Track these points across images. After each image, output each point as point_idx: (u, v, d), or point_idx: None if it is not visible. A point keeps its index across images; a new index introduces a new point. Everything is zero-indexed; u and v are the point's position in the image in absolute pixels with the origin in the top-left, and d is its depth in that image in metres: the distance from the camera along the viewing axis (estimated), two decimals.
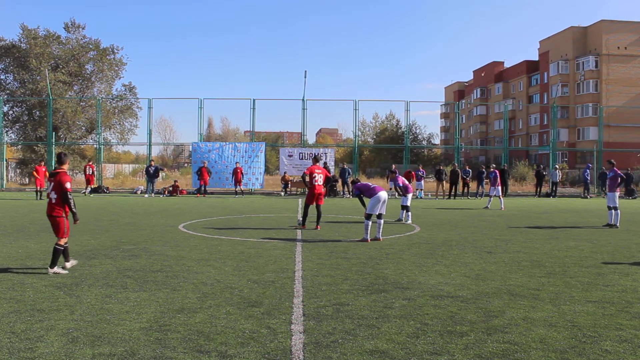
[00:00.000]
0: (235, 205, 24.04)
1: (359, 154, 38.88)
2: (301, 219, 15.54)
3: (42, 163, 30.35)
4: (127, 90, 48.87)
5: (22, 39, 46.10)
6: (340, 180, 33.59)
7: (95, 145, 42.60)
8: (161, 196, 31.53)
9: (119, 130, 47.78)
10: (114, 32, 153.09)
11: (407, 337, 5.50)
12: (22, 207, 22.33)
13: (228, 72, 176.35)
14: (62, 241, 8.66)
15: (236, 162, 33.01)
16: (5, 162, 39.87)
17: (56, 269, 8.54)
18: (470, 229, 15.54)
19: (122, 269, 8.95)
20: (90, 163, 34.59)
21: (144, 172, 34.55)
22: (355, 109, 36.70)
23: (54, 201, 8.63)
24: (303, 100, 36.22)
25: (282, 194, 34.08)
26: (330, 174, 32.36)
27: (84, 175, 35.01)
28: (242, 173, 32.30)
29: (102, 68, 48.46)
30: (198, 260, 9.87)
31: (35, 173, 29.20)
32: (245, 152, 34.64)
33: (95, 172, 34.98)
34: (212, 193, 33.22)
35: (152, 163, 33.26)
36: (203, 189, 32.19)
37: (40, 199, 27.15)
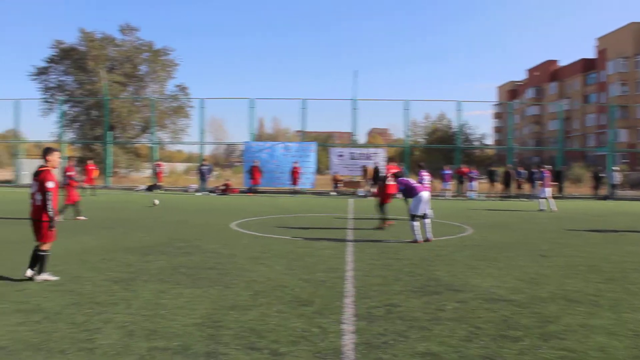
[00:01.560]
0: (286, 205, 24.20)
1: (410, 154, 38.55)
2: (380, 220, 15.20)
3: (91, 161, 31.24)
4: (179, 91, 49.88)
5: (80, 42, 47.60)
6: None
7: (149, 144, 43.58)
8: (213, 195, 31.98)
9: (172, 129, 48.76)
10: (167, 33, 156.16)
11: (459, 341, 5.43)
12: (82, 202, 22.98)
13: (279, 72, 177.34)
14: (46, 246, 7.91)
15: (293, 163, 33.16)
16: (65, 160, 41.16)
17: (46, 276, 7.88)
18: (524, 231, 15.21)
19: (175, 266, 9.12)
20: (160, 162, 35.60)
21: (197, 171, 35.12)
22: (406, 109, 36.49)
23: (38, 202, 7.80)
24: (353, 100, 36.22)
25: (333, 193, 34.10)
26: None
27: (154, 173, 35.96)
28: (299, 173, 32.40)
29: (155, 69, 49.60)
30: (250, 258, 9.97)
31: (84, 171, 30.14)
32: (296, 151, 34.81)
33: (163, 170, 36.08)
34: (263, 192, 33.54)
35: (205, 162, 33.77)
36: (254, 188, 32.51)
37: (93, 195, 27.99)
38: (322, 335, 5.51)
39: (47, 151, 8.12)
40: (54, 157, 8.14)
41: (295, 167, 32.48)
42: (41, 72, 48.70)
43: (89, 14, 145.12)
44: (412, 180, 13.32)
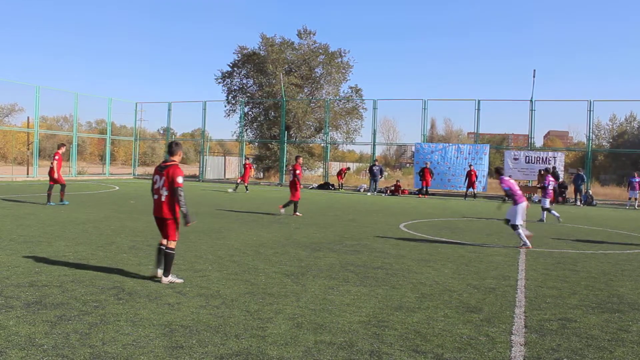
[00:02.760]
0: (457, 208, 23.71)
1: (592, 159, 35.89)
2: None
3: (248, 160, 32.63)
4: (353, 92, 50.85)
5: (261, 47, 50.42)
6: (573, 187, 31.36)
7: (322, 144, 45.00)
8: (383, 195, 32.23)
9: (345, 130, 49.88)
10: (341, 36, 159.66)
11: None
12: (255, 199, 24.44)
13: (452, 73, 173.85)
14: (173, 244, 7.50)
15: (469, 165, 32.39)
16: (244, 158, 43.95)
17: (171, 278, 7.42)
18: None
19: (344, 263, 9.32)
20: (345, 164, 37.01)
21: (368, 171, 35.62)
22: (590, 110, 34.00)
23: (163, 199, 7.36)
24: (531, 101, 34.50)
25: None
26: (558, 180, 30.47)
27: (338, 173, 37.42)
28: (476, 176, 31.62)
29: (330, 71, 51.01)
30: (417, 260, 9.91)
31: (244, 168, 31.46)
32: (469, 154, 33.94)
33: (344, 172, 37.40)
34: (433, 194, 33.17)
35: (376, 162, 34.17)
36: (425, 189, 32.25)
37: (236, 191, 29.16)
38: (490, 345, 5.32)
39: (176, 145, 7.65)
40: (181, 152, 7.68)
41: (472, 170, 31.56)
42: (225, 76, 52.41)
43: (270, 20, 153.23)
44: (516, 186, 12.71)
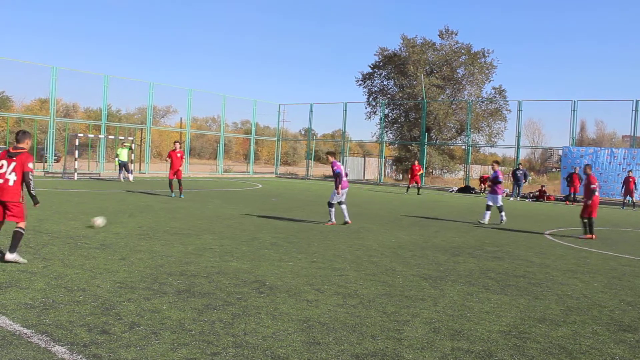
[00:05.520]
0: (609, 217, 22.13)
1: None
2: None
3: (416, 162, 32.59)
4: (496, 94, 49.20)
5: (402, 48, 50.28)
6: None
7: (463, 147, 43.95)
8: (527, 200, 30.92)
9: (487, 132, 48.38)
10: (485, 35, 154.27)
11: None
12: (393, 200, 24.37)
13: (605, 72, 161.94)
14: (23, 224, 7.91)
15: (628, 171, 29.97)
16: (383, 160, 44.05)
17: (16, 256, 7.75)
18: None
19: (484, 270, 9.03)
20: (487, 175, 36.50)
21: (511, 175, 34.29)
22: None
23: (11, 183, 7.75)
24: None
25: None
26: None
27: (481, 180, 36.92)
28: (634, 183, 29.20)
29: (472, 72, 49.69)
30: (564, 270, 9.36)
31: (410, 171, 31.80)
32: (624, 158, 31.54)
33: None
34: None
35: (520, 166, 32.81)
36: (573, 196, 30.44)
37: (419, 193, 29.55)
38: None
39: (25, 134, 8.10)
40: (29, 140, 8.12)
41: (630, 177, 29.03)
42: (366, 77, 52.84)
43: (410, 21, 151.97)
44: (344, 174, 13.98)
